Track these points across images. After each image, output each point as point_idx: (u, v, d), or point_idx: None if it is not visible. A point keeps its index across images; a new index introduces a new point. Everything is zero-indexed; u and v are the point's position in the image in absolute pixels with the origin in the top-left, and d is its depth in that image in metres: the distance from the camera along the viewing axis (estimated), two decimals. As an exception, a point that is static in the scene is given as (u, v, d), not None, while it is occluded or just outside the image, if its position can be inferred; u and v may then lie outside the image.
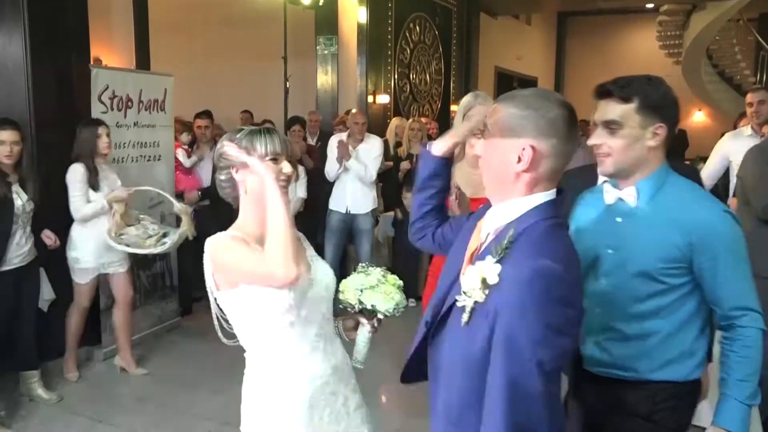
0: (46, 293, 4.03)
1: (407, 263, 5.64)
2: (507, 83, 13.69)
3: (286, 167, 1.75)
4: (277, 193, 1.64)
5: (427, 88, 10.46)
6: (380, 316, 1.86)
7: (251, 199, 1.78)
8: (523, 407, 1.30)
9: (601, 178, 1.93)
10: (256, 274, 1.64)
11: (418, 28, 10.00)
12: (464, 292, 1.42)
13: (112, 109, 4.57)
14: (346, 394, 1.88)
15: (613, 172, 1.80)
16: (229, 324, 1.81)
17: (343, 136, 5.50)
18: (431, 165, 1.87)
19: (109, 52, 8.07)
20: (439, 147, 1.85)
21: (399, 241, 6.17)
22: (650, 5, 12.52)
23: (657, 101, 1.75)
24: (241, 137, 1.76)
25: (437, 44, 10.63)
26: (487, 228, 1.51)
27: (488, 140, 1.49)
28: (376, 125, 7.89)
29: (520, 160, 1.42)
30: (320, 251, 5.00)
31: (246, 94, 9.16)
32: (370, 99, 8.86)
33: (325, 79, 8.83)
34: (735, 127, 5.16)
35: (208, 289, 1.78)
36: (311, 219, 5.85)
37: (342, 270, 5.54)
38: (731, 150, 4.54)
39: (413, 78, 10.00)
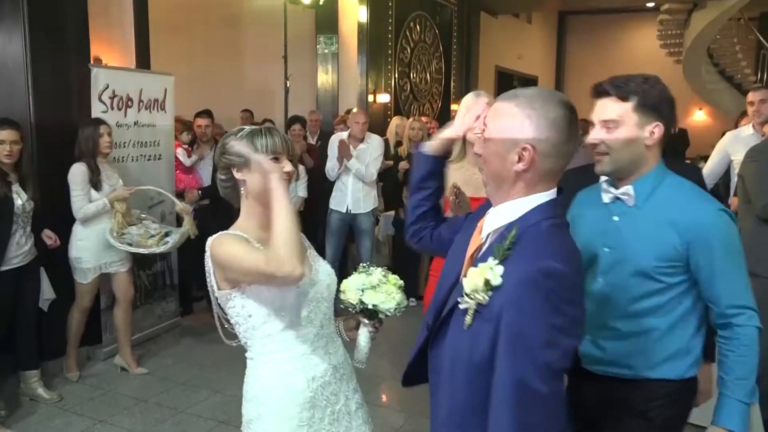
0: (47, 293, 4.03)
1: (408, 263, 5.64)
2: (507, 82, 13.69)
3: (286, 166, 1.75)
4: (282, 191, 1.63)
5: (427, 87, 10.46)
6: (381, 316, 1.86)
7: (252, 198, 1.78)
8: (531, 408, 1.30)
9: (602, 177, 1.93)
10: (258, 273, 1.63)
11: (418, 27, 9.99)
12: (466, 294, 1.41)
13: (113, 109, 4.56)
14: (347, 394, 1.88)
15: (611, 170, 1.81)
16: (230, 324, 1.80)
17: (344, 135, 5.50)
18: (425, 165, 1.86)
19: (109, 51, 8.04)
20: (432, 146, 1.85)
21: (400, 241, 6.16)
22: (651, 4, 12.52)
23: (654, 100, 1.75)
24: (242, 136, 1.77)
25: (437, 43, 10.62)
26: (487, 228, 1.50)
27: (488, 139, 1.48)
28: (377, 124, 7.88)
29: (520, 159, 1.42)
30: (321, 251, 4.99)
31: (246, 94, 9.15)
32: (371, 98, 8.86)
33: (325, 78, 8.83)
34: (736, 126, 5.15)
35: (209, 289, 1.78)
36: (311, 218, 5.84)
37: (342, 270, 5.54)
38: (732, 149, 4.54)
39: (414, 77, 10.00)
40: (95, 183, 4.10)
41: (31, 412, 3.85)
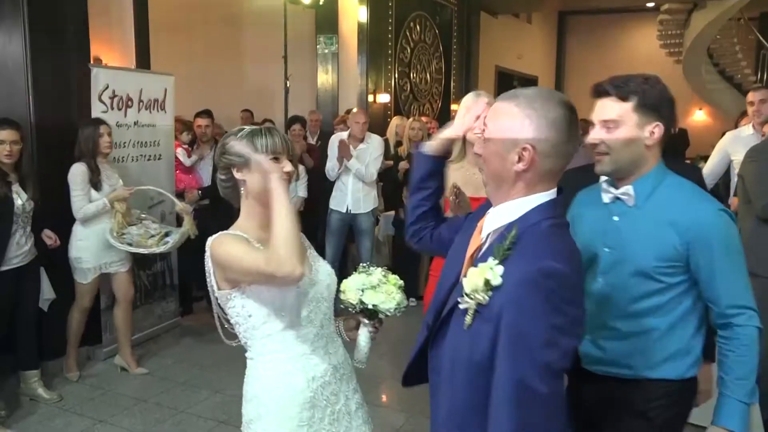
0: (47, 293, 4.03)
1: (408, 263, 5.64)
2: (507, 82, 13.69)
3: (286, 166, 1.75)
4: (282, 191, 1.63)
5: (427, 87, 10.46)
6: (381, 316, 1.86)
7: (252, 198, 1.78)
8: (531, 408, 1.30)
9: (602, 177, 1.93)
10: (258, 273, 1.63)
11: (418, 27, 9.99)
12: (466, 294, 1.41)
13: (113, 109, 4.56)
14: (347, 394, 1.88)
15: (611, 170, 1.81)
16: (230, 324, 1.80)
17: (344, 135, 5.49)
18: (425, 165, 1.86)
19: (110, 51, 8.04)
20: (432, 146, 1.84)
21: (400, 241, 6.16)
22: (651, 4, 12.51)
23: (654, 100, 1.76)
24: (242, 137, 1.77)
25: (437, 43, 10.62)
26: (487, 228, 1.50)
27: (488, 139, 1.48)
28: (377, 124, 7.88)
29: (520, 159, 1.42)
30: (320, 251, 5.00)
31: (246, 94, 9.16)
32: (371, 98, 8.86)
33: (325, 78, 8.83)
34: (736, 126, 5.14)
35: (209, 289, 1.78)
36: (311, 218, 5.84)
37: (342, 269, 5.54)
38: (732, 149, 4.54)
39: (414, 77, 10.00)
40: (95, 183, 4.10)
41: (31, 412, 3.85)
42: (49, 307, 4.06)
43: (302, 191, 5.59)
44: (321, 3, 8.26)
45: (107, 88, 4.50)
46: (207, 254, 1.75)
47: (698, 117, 15.03)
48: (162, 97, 5.04)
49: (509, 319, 1.32)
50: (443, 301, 1.54)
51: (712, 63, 11.93)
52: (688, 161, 7.41)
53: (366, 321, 1.87)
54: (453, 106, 10.95)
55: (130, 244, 4.15)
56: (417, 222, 1.88)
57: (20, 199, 3.73)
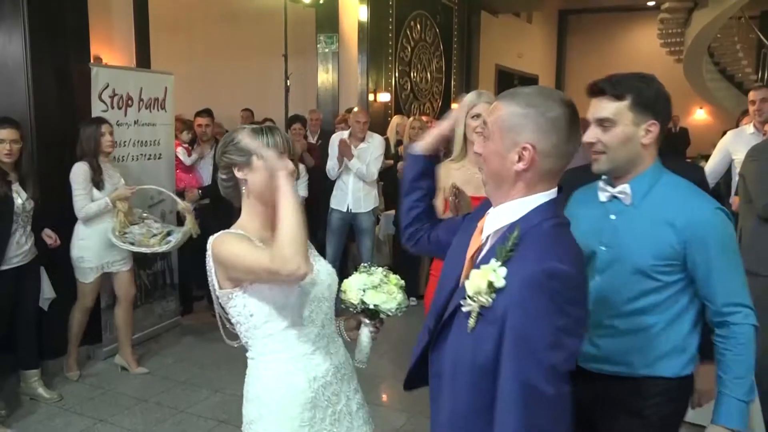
0: (47, 292, 4.02)
1: (409, 262, 5.63)
2: (508, 81, 13.69)
3: (288, 165, 1.75)
4: (290, 188, 1.62)
5: (427, 86, 10.45)
6: (383, 316, 1.85)
7: (253, 197, 1.77)
8: (537, 410, 1.29)
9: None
10: (261, 270, 1.63)
11: (418, 26, 9.99)
12: (469, 297, 1.39)
13: (113, 108, 4.55)
14: (348, 394, 1.87)
15: (607, 169, 1.81)
16: (232, 324, 1.80)
17: (345, 134, 5.49)
18: (416, 165, 1.85)
19: (110, 50, 8.05)
20: (422, 146, 1.84)
21: (400, 240, 6.15)
22: (651, 3, 12.51)
23: (650, 98, 1.75)
24: (243, 135, 1.76)
25: (438, 42, 10.62)
26: (487, 229, 1.49)
27: (488, 138, 1.46)
28: (377, 123, 7.88)
29: (520, 159, 1.40)
30: (321, 250, 4.99)
31: (246, 93, 9.16)
32: (371, 97, 8.86)
33: (325, 77, 8.83)
34: (737, 125, 5.14)
35: (210, 288, 1.77)
36: (312, 218, 5.84)
37: (343, 269, 5.54)
38: (733, 148, 4.53)
39: (414, 76, 9.99)
40: (97, 182, 4.10)
41: (32, 411, 3.84)
42: (50, 306, 4.06)
43: (303, 190, 5.58)
44: (321, 2, 8.26)
45: (107, 87, 4.50)
46: (208, 253, 1.74)
47: (699, 116, 15.03)
48: (162, 96, 5.04)
49: (514, 321, 1.31)
50: (444, 303, 1.52)
51: (713, 62, 11.92)
52: (688, 160, 7.40)
53: (367, 321, 1.87)
54: (453, 105, 10.94)
55: (132, 244, 4.14)
56: (412, 224, 1.87)
57: (20, 198, 3.72)
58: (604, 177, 1.88)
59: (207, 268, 1.76)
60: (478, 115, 2.63)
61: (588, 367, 1.86)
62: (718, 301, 1.75)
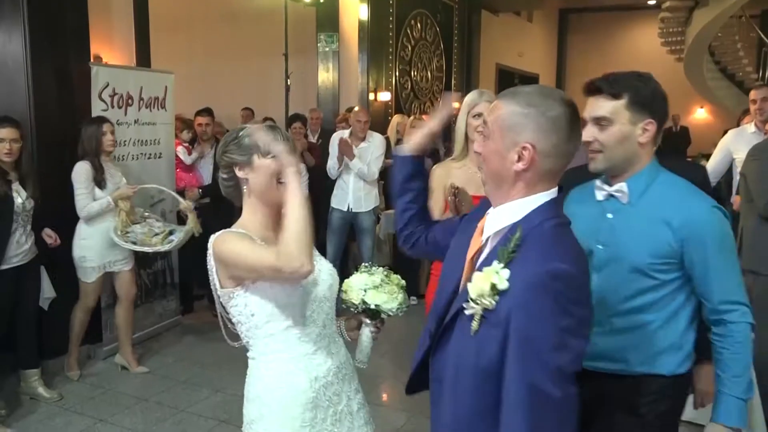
0: (47, 291, 4.02)
1: (409, 261, 5.62)
2: (508, 80, 13.69)
3: (297, 162, 1.74)
4: (297, 185, 1.62)
5: (428, 85, 10.44)
6: (384, 316, 1.85)
7: (254, 197, 1.77)
8: (544, 413, 1.28)
9: None
10: (263, 268, 1.62)
11: (419, 25, 9.97)
12: (471, 300, 1.38)
13: (113, 107, 4.55)
14: (349, 394, 1.87)
15: (605, 168, 1.81)
16: (233, 324, 1.79)
17: (345, 133, 5.49)
18: (406, 167, 1.85)
19: (110, 49, 8.05)
20: (411, 146, 1.84)
21: (400, 240, 6.14)
22: (652, 2, 12.49)
23: (646, 97, 1.76)
24: (244, 135, 1.76)
25: (438, 41, 10.61)
26: (488, 230, 1.47)
27: (488, 138, 1.45)
28: (378, 122, 7.87)
29: (520, 158, 1.39)
30: (321, 249, 4.98)
31: (247, 92, 9.15)
32: (372, 96, 8.84)
33: (326, 76, 8.82)
34: (738, 124, 5.14)
35: (212, 288, 1.77)
36: (312, 217, 5.82)
37: (343, 268, 5.53)
38: (735, 147, 4.53)
39: (414, 75, 9.98)
40: (99, 181, 4.10)
41: (32, 411, 3.84)
42: (50, 305, 4.06)
43: (303, 189, 5.56)
44: (322, 1, 8.25)
45: (107, 86, 4.50)
46: (209, 252, 1.73)
47: (699, 115, 15.02)
48: (162, 95, 5.03)
49: (518, 323, 1.30)
50: (445, 306, 1.52)
51: (714, 61, 11.91)
52: (689, 159, 7.40)
53: (368, 321, 1.87)
54: (454, 104, 10.92)
55: (134, 243, 4.14)
56: (407, 226, 1.86)
57: (20, 197, 3.71)
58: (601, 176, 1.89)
59: (208, 267, 1.75)
60: (479, 114, 2.62)
61: (584, 365, 1.86)
62: (715, 299, 1.75)
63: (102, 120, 4.16)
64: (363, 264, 1.92)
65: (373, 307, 1.82)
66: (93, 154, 4.08)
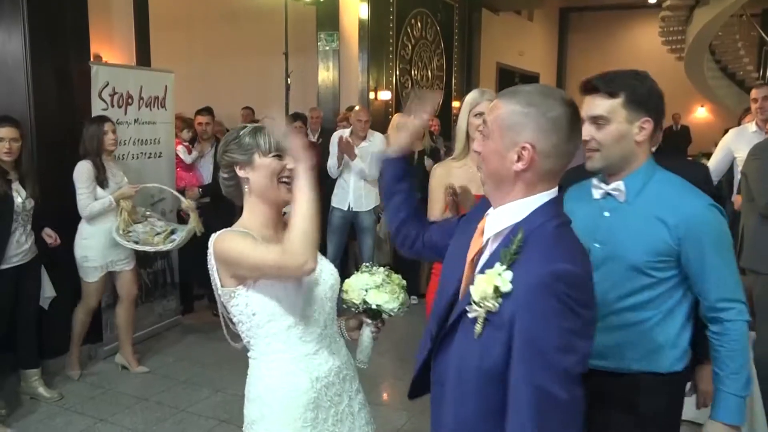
0: (47, 291, 4.02)
1: (409, 260, 5.60)
2: (509, 79, 13.68)
3: (290, 163, 1.74)
4: (308, 182, 1.61)
5: (428, 84, 10.43)
6: (385, 316, 1.84)
7: (255, 196, 1.77)
8: (550, 415, 1.28)
9: None
10: (266, 265, 1.62)
11: (419, 24, 9.97)
12: (475, 303, 1.37)
13: (113, 106, 4.55)
14: (351, 394, 1.86)
15: (601, 167, 1.81)
16: (235, 324, 1.78)
17: (346, 132, 5.48)
18: (394, 168, 1.86)
19: (110, 48, 8.05)
20: (397, 148, 1.85)
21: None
22: (653, 1, 12.47)
23: (643, 96, 1.76)
24: (245, 134, 1.75)
25: (439, 40, 10.60)
26: (488, 231, 1.46)
27: (487, 137, 1.44)
28: (378, 121, 7.86)
29: (519, 158, 1.38)
30: (322, 249, 4.98)
31: (247, 91, 9.14)
32: (372, 95, 8.84)
33: (326, 75, 8.81)
34: (739, 123, 5.13)
35: (214, 288, 1.76)
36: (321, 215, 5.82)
37: (343, 268, 5.53)
38: (735, 146, 4.53)
39: (415, 74, 9.98)
40: (101, 181, 4.09)
41: (32, 410, 3.84)
42: (50, 305, 4.05)
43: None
44: (322, 0, 8.24)
45: (107, 85, 4.49)
46: (210, 251, 1.73)
47: (700, 114, 15.02)
48: (162, 94, 5.03)
49: (523, 326, 1.29)
50: (446, 307, 1.51)
51: (714, 60, 11.90)
52: (689, 158, 7.39)
53: (369, 321, 1.86)
54: (454, 103, 10.93)
55: (136, 242, 4.14)
56: (400, 228, 1.87)
57: (20, 197, 3.71)
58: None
59: (208, 267, 1.75)
60: (480, 114, 2.61)
61: None
62: (712, 297, 1.76)
63: (103, 119, 4.16)
64: (364, 264, 1.91)
65: (374, 307, 1.81)
66: (95, 153, 4.07)
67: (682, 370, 1.83)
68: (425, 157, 5.89)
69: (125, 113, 4.68)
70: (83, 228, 4.14)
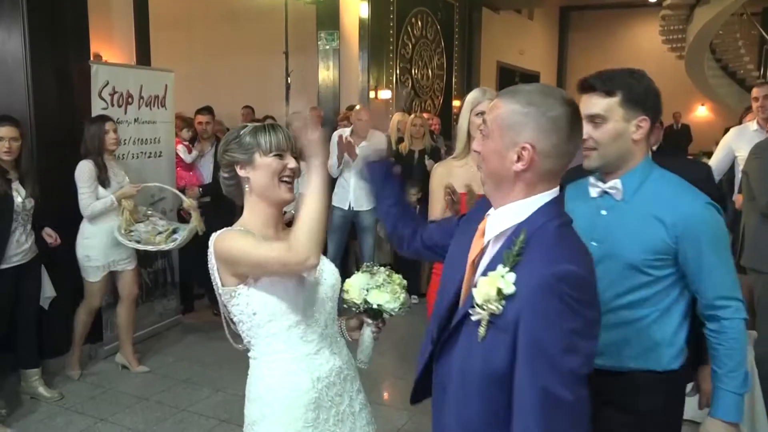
0: (47, 291, 4.01)
1: (410, 260, 5.60)
2: (509, 78, 13.67)
3: (291, 163, 1.73)
4: (320, 179, 1.61)
5: (429, 83, 10.43)
6: (386, 315, 1.84)
7: (256, 195, 1.76)
8: (556, 416, 1.27)
9: None
10: (268, 262, 1.62)
11: (419, 23, 9.96)
12: (477, 305, 1.36)
13: (113, 105, 4.54)
14: (352, 394, 1.86)
15: (599, 165, 1.82)
16: (235, 324, 1.78)
17: (346, 131, 5.47)
18: (377, 171, 1.88)
19: (110, 47, 8.04)
20: (380, 152, 1.89)
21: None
22: (653, -1, 12.48)
23: (640, 94, 1.77)
24: (245, 133, 1.75)
25: (439, 39, 10.60)
26: (489, 233, 1.45)
27: (487, 137, 1.44)
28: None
29: (519, 158, 1.37)
30: (322, 248, 4.97)
31: (247, 90, 9.14)
32: (372, 94, 8.83)
33: (326, 74, 8.81)
34: (740, 122, 5.12)
35: (214, 288, 1.75)
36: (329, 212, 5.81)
37: (344, 267, 5.52)
38: (736, 145, 4.52)
39: (415, 73, 9.98)
40: (103, 180, 4.09)
41: (32, 410, 3.83)
42: (50, 305, 4.05)
43: (304, 188, 5.55)
44: (322, -1, 8.24)
45: (107, 84, 4.49)
46: (210, 251, 1.72)
47: (700, 113, 15.02)
48: (162, 93, 5.02)
49: (527, 327, 1.29)
50: (447, 308, 1.50)
51: (715, 58, 11.90)
52: (690, 157, 7.38)
53: (369, 321, 1.86)
54: (455, 102, 10.93)
55: (138, 242, 4.13)
56: (395, 229, 1.88)
57: (20, 196, 3.70)
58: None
59: (209, 266, 1.74)
60: (482, 113, 2.61)
61: None
62: (709, 295, 1.76)
63: (105, 118, 4.15)
64: (365, 263, 1.91)
65: (375, 307, 1.81)
66: (96, 152, 4.07)
67: (679, 369, 1.83)
68: (426, 156, 5.89)
69: (125, 112, 4.67)
70: (85, 227, 4.13)
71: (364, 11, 8.68)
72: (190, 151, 5.56)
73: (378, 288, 1.81)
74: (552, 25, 16.53)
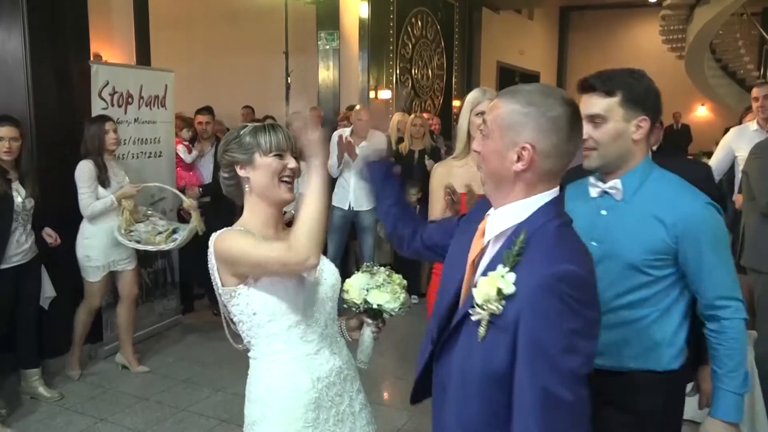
0: (47, 291, 4.01)
1: (410, 260, 5.60)
2: (509, 78, 13.68)
3: (291, 163, 1.73)
4: (320, 179, 1.61)
5: (429, 83, 10.44)
6: (386, 315, 1.84)
7: (256, 195, 1.76)
8: (556, 416, 1.27)
9: None
10: (268, 261, 1.62)
11: (419, 23, 9.97)
12: (477, 305, 1.36)
13: (113, 105, 4.54)
14: (352, 394, 1.86)
15: (599, 165, 1.82)
16: (236, 324, 1.78)
17: (346, 131, 5.47)
18: (377, 172, 1.87)
19: (110, 47, 8.04)
20: (379, 153, 1.89)
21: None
22: (653, -1, 12.48)
23: (640, 94, 1.77)
24: (245, 133, 1.75)
25: (439, 39, 10.60)
26: (489, 233, 1.45)
27: (487, 137, 1.44)
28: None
29: (519, 158, 1.37)
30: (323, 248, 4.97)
31: (247, 90, 9.14)
32: (372, 94, 8.83)
33: (326, 74, 8.81)
34: (740, 122, 5.12)
35: (214, 288, 1.75)
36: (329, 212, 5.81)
37: (344, 267, 5.52)
38: (736, 145, 4.52)
39: (415, 73, 9.98)
40: (103, 180, 4.09)
41: (32, 410, 3.83)
42: (50, 305, 4.05)
43: (304, 188, 5.55)
44: (322, -1, 8.25)
45: (107, 84, 4.49)
46: (210, 251, 1.72)
47: (700, 113, 15.02)
48: (162, 93, 5.02)
49: (527, 327, 1.29)
50: (447, 308, 1.50)
51: (715, 58, 11.90)
52: (690, 157, 7.38)
53: (369, 321, 1.86)
54: (455, 102, 10.93)
55: (138, 242, 4.13)
56: (395, 229, 1.88)
57: (20, 196, 3.70)
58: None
59: (209, 266, 1.74)
60: (482, 113, 2.61)
61: None
62: (709, 295, 1.76)
63: (105, 118, 4.15)
64: (365, 263, 1.91)
65: (375, 307, 1.81)
66: (96, 152, 4.07)
67: (679, 369, 1.83)
68: (426, 156, 5.89)
69: (125, 112, 4.67)
70: (85, 228, 4.13)
71: (364, 11, 8.69)
72: (190, 151, 5.56)
73: (378, 288, 1.81)
74: (552, 25, 16.54)
